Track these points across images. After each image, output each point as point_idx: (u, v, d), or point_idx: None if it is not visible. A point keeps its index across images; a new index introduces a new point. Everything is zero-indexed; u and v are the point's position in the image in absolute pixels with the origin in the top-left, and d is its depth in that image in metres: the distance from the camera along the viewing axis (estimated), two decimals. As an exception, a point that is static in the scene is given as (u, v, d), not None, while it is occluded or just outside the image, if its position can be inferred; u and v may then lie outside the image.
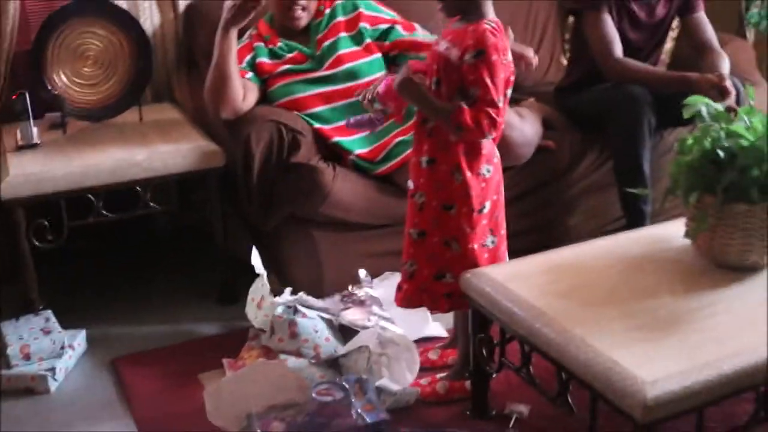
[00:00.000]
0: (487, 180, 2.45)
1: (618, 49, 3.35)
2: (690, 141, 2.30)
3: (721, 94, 3.06)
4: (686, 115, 2.35)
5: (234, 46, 3.03)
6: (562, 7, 4.01)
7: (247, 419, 2.39)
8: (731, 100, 3.04)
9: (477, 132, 2.33)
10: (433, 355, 2.79)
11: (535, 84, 3.92)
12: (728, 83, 3.10)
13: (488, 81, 2.30)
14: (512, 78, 2.43)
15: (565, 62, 3.97)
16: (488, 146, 2.45)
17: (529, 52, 2.81)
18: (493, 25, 2.36)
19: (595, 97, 3.40)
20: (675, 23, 3.61)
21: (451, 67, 2.36)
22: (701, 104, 2.35)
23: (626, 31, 3.40)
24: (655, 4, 3.44)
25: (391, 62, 3.28)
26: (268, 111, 3.11)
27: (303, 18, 3.24)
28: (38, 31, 3.29)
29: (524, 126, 3.24)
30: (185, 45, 3.70)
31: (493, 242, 2.51)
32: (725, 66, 3.30)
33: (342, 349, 2.70)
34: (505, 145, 2.73)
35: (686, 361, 1.93)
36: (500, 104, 2.34)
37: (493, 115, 2.32)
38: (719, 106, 2.35)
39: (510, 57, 2.40)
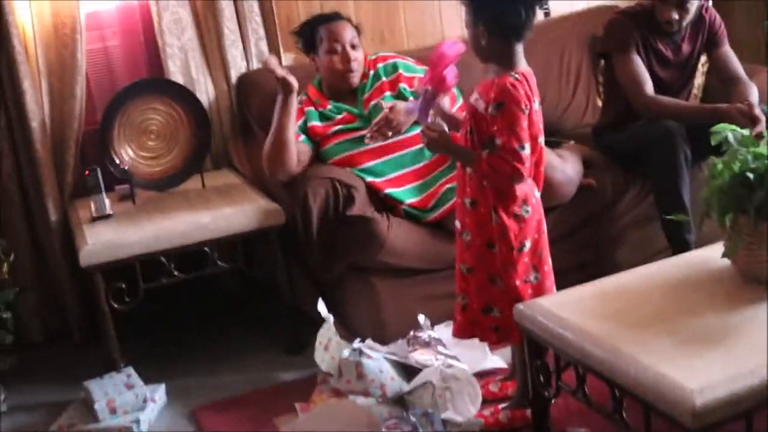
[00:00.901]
0: (526, 220, 2.59)
1: (649, 87, 3.49)
2: (720, 165, 2.41)
3: (752, 121, 3.19)
4: (714, 141, 2.46)
5: (291, 113, 3.23)
6: (593, 51, 4.17)
7: (322, 456, 2.53)
8: (762, 127, 3.17)
9: (498, 177, 2.50)
10: (493, 388, 2.91)
11: (574, 126, 4.07)
12: (758, 111, 3.23)
13: (507, 131, 2.47)
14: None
15: (600, 103, 4.11)
16: (524, 188, 2.59)
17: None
18: (517, 77, 2.51)
19: (631, 134, 3.54)
20: (703, 58, 3.76)
21: (480, 117, 2.54)
22: (728, 131, 2.48)
23: (655, 70, 3.55)
24: (681, 42, 3.59)
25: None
26: (323, 169, 3.29)
27: (356, 74, 3.44)
28: (104, 111, 3.51)
29: (565, 166, 3.39)
30: (239, 113, 3.90)
31: (536, 278, 2.65)
32: (754, 95, 3.43)
33: (407, 387, 2.84)
34: (548, 186, 2.86)
35: (731, 370, 2.02)
36: (523, 151, 2.49)
37: (513, 161, 2.47)
38: (745, 132, 2.47)
39: (537, 106, 2.56)
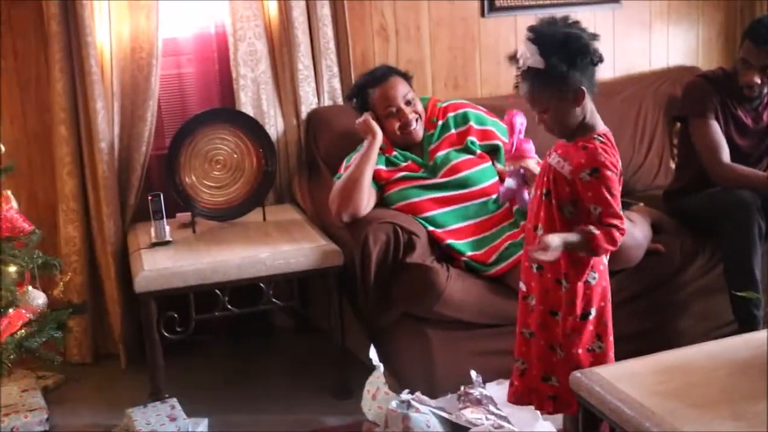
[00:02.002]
0: (593, 287, 2.52)
1: (725, 155, 3.40)
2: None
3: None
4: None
5: (371, 159, 3.28)
6: (669, 113, 4.09)
7: None
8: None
9: (612, 247, 2.43)
10: None
11: (645, 188, 3.99)
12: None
13: (608, 197, 2.40)
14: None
15: (673, 166, 4.02)
16: None
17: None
18: (602, 140, 2.45)
19: (704, 201, 3.45)
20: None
21: (563, 180, 2.46)
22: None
23: (733, 137, 3.46)
24: (761, 110, 3.50)
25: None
26: (385, 213, 3.26)
27: (418, 128, 3.42)
28: (173, 137, 3.52)
29: (634, 229, 3.30)
30: (306, 149, 3.89)
31: (600, 347, 2.56)
32: (836, 170, 3.33)
33: (453, 445, 2.77)
34: (616, 249, 2.80)
35: (797, 464, 1.94)
36: (615, 197, 2.43)
37: (621, 226, 2.41)
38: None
39: (620, 166, 2.49)
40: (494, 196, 3.35)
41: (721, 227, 3.31)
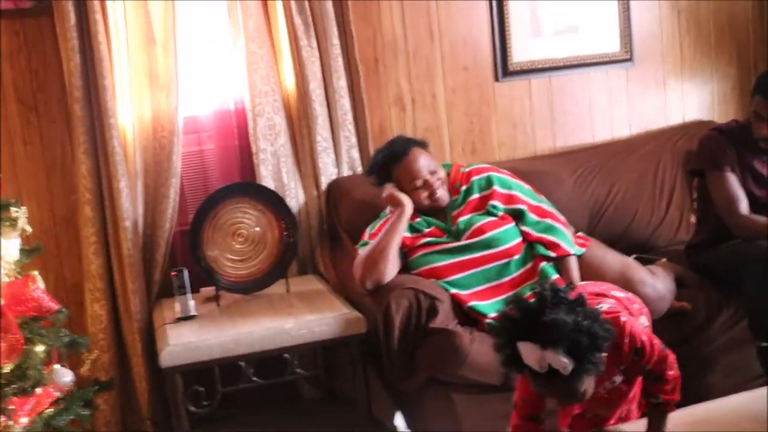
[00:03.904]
0: None
1: (744, 206, 3.40)
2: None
3: None
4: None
5: (399, 230, 3.31)
6: (687, 167, 4.09)
7: None
8: None
9: (677, 392, 2.35)
10: None
11: (667, 243, 3.98)
12: None
13: (656, 356, 2.31)
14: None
15: (694, 221, 4.01)
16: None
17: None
18: (612, 332, 2.20)
19: (726, 254, 3.44)
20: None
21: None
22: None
23: (751, 188, 3.46)
24: (777, 161, 3.50)
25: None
26: (407, 279, 3.27)
27: (443, 195, 3.45)
28: (196, 213, 3.58)
29: (656, 282, 3.30)
30: (328, 220, 3.92)
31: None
32: None
33: None
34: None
35: None
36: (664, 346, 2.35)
37: (672, 364, 2.34)
38: None
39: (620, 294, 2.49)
40: (516, 257, 3.36)
41: (743, 279, 3.29)
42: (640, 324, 2.37)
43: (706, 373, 3.41)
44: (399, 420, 2.98)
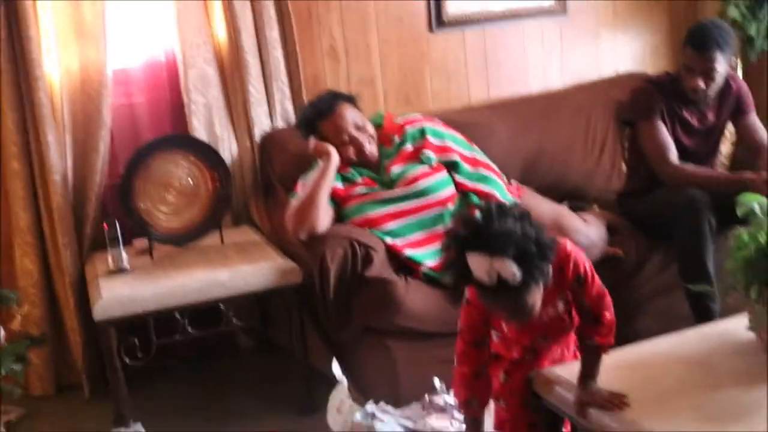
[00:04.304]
0: None
1: (673, 155, 3.46)
2: (745, 236, 2.36)
3: (777, 191, 3.13)
4: (740, 213, 2.41)
5: (328, 178, 3.31)
6: (619, 118, 4.15)
7: None
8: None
9: (611, 335, 2.33)
10: None
11: (599, 192, 4.03)
12: (783, 180, 3.17)
13: (596, 291, 2.31)
14: None
15: (625, 170, 4.07)
16: None
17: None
18: (557, 256, 2.22)
19: (656, 201, 3.50)
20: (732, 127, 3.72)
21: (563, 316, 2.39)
22: (754, 201, 2.43)
23: (680, 138, 3.52)
24: (706, 111, 3.56)
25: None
26: (342, 229, 3.27)
27: (372, 148, 3.45)
28: (126, 165, 3.52)
29: (589, 230, 3.36)
30: (262, 171, 3.90)
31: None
32: (781, 164, 3.38)
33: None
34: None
35: (754, 449, 1.96)
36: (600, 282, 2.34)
37: (610, 304, 2.34)
38: (771, 202, 2.42)
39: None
40: (451, 207, 3.37)
41: (673, 225, 3.35)
42: (583, 254, 2.38)
43: (636, 317, 3.48)
44: (335, 368, 2.98)
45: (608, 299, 2.35)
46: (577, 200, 3.83)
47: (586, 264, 2.31)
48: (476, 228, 2.11)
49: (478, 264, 2.07)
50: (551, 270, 2.17)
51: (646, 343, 2.63)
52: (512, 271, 2.05)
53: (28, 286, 3.63)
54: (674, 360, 2.44)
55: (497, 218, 2.10)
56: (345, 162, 3.42)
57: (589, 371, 2.30)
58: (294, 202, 3.31)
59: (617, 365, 2.46)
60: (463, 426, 2.84)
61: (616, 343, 2.60)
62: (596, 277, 2.34)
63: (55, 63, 3.60)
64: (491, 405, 2.56)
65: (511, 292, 2.09)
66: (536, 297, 2.15)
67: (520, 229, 2.08)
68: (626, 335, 3.33)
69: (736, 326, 2.54)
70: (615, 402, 2.20)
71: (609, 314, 2.34)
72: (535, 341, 2.44)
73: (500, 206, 2.16)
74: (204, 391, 3.68)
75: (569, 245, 2.31)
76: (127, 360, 3.20)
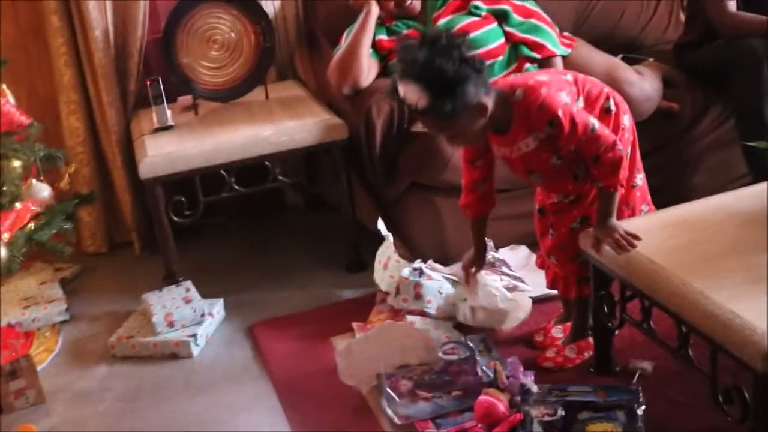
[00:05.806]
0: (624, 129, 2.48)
1: (731, 4, 3.29)
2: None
3: None
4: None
5: (368, 29, 3.21)
6: (677, -35, 3.95)
7: (377, 378, 2.49)
8: None
9: (618, 173, 2.34)
10: (556, 333, 2.74)
11: (655, 43, 3.89)
12: None
13: (579, 129, 2.30)
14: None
15: (683, 19, 3.90)
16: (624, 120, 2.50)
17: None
18: (522, 92, 2.31)
19: (714, 53, 3.35)
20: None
21: (542, 148, 2.38)
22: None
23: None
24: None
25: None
26: (388, 83, 3.19)
27: (415, 2, 3.32)
28: (167, 19, 3.45)
29: (643, 83, 3.24)
30: (306, 24, 3.81)
31: (641, 179, 2.59)
32: None
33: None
34: (626, 102, 2.73)
35: (807, 311, 1.91)
36: (596, 126, 2.32)
37: (606, 143, 2.31)
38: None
39: (570, 77, 2.43)
40: (501, 58, 3.27)
41: (731, 78, 3.22)
42: (564, 99, 2.32)
43: (691, 175, 3.41)
44: (381, 224, 2.97)
45: (608, 139, 2.33)
46: (631, 52, 3.68)
47: (558, 109, 2.30)
48: (402, 55, 2.28)
49: (400, 88, 2.26)
50: (498, 108, 2.29)
51: (696, 202, 2.56)
52: (415, 96, 2.21)
53: (75, 144, 3.64)
54: (727, 219, 2.38)
55: (420, 47, 2.22)
56: (389, 13, 3.32)
57: (603, 211, 2.37)
58: (336, 56, 3.23)
59: (667, 224, 2.41)
60: (513, 282, 2.86)
61: (669, 201, 2.56)
62: (584, 118, 2.33)
63: None
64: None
65: (428, 116, 2.27)
66: (464, 125, 2.28)
67: (427, 57, 2.19)
68: (679, 192, 3.30)
69: (794, 185, 2.47)
70: (624, 242, 2.29)
71: (611, 154, 2.33)
72: (529, 179, 2.54)
73: (432, 36, 2.26)
74: (252, 248, 3.72)
75: (544, 90, 2.31)
76: (174, 218, 3.21)
